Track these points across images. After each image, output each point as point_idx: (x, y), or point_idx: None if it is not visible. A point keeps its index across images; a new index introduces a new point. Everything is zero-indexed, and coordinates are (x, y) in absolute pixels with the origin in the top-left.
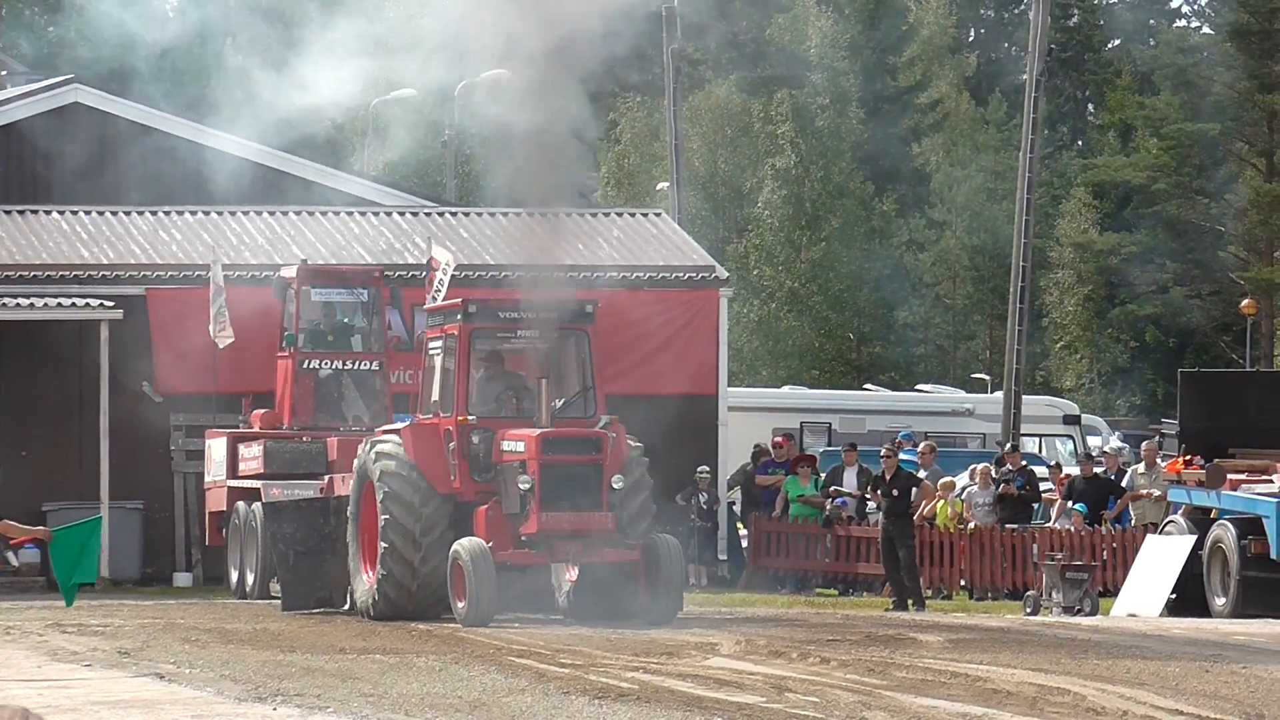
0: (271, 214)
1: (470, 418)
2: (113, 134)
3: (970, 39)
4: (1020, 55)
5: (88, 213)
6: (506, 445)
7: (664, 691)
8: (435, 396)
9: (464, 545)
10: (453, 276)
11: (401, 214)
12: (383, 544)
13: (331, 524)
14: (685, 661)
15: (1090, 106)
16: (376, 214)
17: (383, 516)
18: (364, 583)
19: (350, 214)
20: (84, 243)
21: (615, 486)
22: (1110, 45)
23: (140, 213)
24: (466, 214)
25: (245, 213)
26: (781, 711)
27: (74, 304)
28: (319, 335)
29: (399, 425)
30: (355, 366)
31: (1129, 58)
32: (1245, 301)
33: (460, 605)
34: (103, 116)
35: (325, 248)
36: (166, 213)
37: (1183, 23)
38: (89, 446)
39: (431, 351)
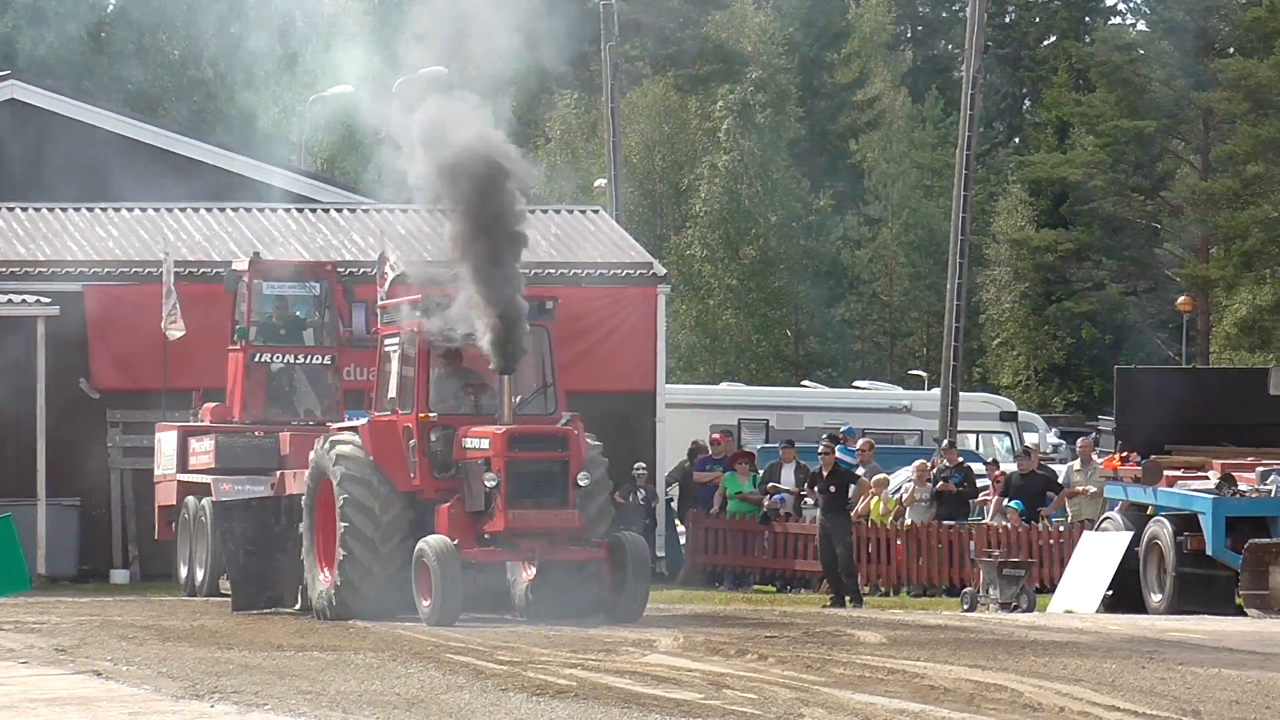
0: (209, 210)
1: (431, 415)
2: (49, 130)
3: (907, 36)
4: (957, 52)
5: (24, 209)
6: (469, 443)
7: (601, 688)
8: (392, 393)
9: (430, 544)
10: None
11: (339, 210)
12: (341, 551)
13: (282, 523)
14: (623, 658)
15: (1027, 103)
16: (313, 210)
17: (342, 524)
18: (320, 583)
19: (288, 210)
20: (20, 239)
21: (581, 484)
22: (1046, 42)
23: (77, 209)
24: (404, 210)
25: (182, 209)
26: (719, 708)
27: (9, 300)
28: (271, 328)
29: (357, 423)
30: (307, 360)
31: (1065, 55)
32: (1181, 299)
33: (425, 604)
34: (39, 112)
35: (261, 243)
36: (104, 209)
37: (1119, 20)
38: (25, 443)
39: (387, 348)
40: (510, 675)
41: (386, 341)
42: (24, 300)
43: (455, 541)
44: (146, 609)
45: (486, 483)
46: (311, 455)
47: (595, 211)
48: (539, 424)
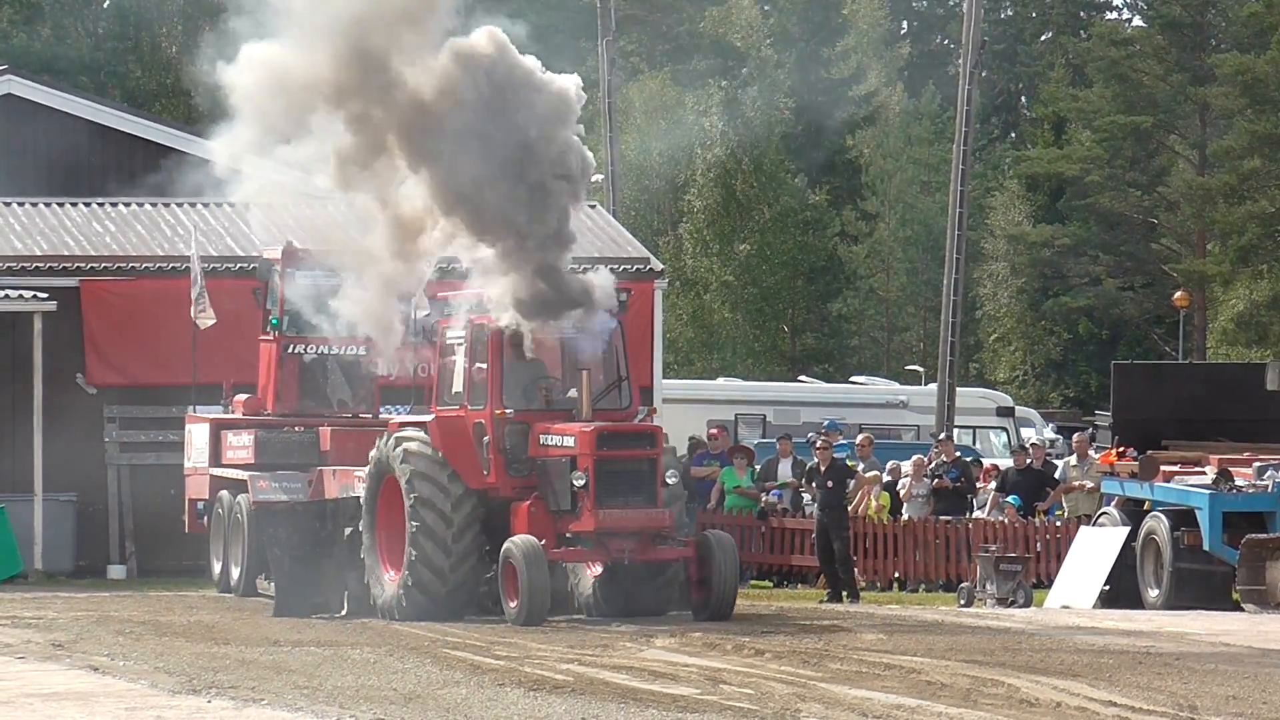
0: (205, 205)
1: (508, 411)
2: (46, 125)
3: (904, 31)
4: (954, 47)
5: (20, 204)
6: (550, 440)
7: (599, 683)
8: (458, 388)
9: (516, 544)
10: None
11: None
12: (411, 551)
13: (328, 528)
14: (620, 653)
15: (1023, 99)
16: (311, 204)
17: (412, 524)
18: (386, 584)
19: (284, 204)
20: (17, 234)
21: (669, 482)
22: (1043, 38)
23: (74, 204)
24: None
25: (180, 204)
26: (716, 703)
27: (6, 295)
28: (303, 318)
29: (421, 418)
30: (341, 351)
31: (1061, 50)
32: (1178, 294)
33: (512, 605)
34: (35, 107)
35: (260, 239)
36: (101, 204)
37: (1115, 15)
38: (22, 438)
39: (450, 341)
40: (507, 670)
41: (449, 334)
42: (21, 296)
43: (543, 542)
44: (143, 604)
45: (575, 482)
46: (373, 453)
47: (592, 207)
48: (619, 420)
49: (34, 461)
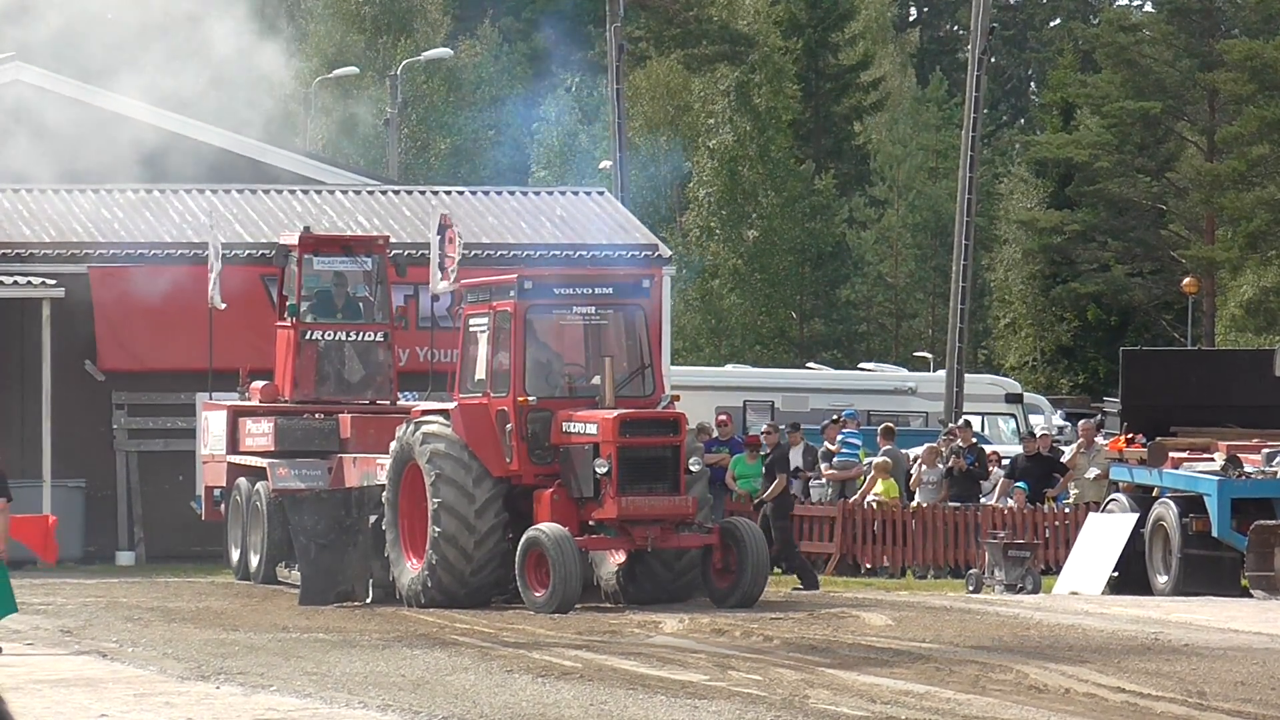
0: (214, 191)
1: (531, 398)
2: (54, 112)
3: (912, 17)
4: (963, 34)
5: (29, 190)
6: (573, 427)
7: (607, 670)
8: (480, 375)
9: (545, 531)
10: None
11: (344, 192)
12: (434, 529)
13: (353, 515)
14: (628, 640)
15: (1032, 85)
16: (319, 192)
17: (434, 500)
18: (408, 571)
19: (293, 192)
20: (25, 221)
21: (693, 469)
22: (1052, 24)
23: (82, 191)
24: (409, 192)
25: (188, 190)
26: (724, 689)
27: (15, 282)
28: (321, 305)
29: (444, 405)
30: (359, 337)
31: (1070, 36)
32: (1186, 280)
33: (537, 594)
34: (43, 94)
35: (268, 226)
36: (109, 190)
37: (1124, 1)
38: (31, 425)
39: (473, 328)
40: (516, 657)
41: (472, 321)
42: (29, 282)
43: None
44: (152, 590)
45: (597, 469)
46: (394, 441)
47: (600, 193)
48: (643, 406)
49: (42, 448)
